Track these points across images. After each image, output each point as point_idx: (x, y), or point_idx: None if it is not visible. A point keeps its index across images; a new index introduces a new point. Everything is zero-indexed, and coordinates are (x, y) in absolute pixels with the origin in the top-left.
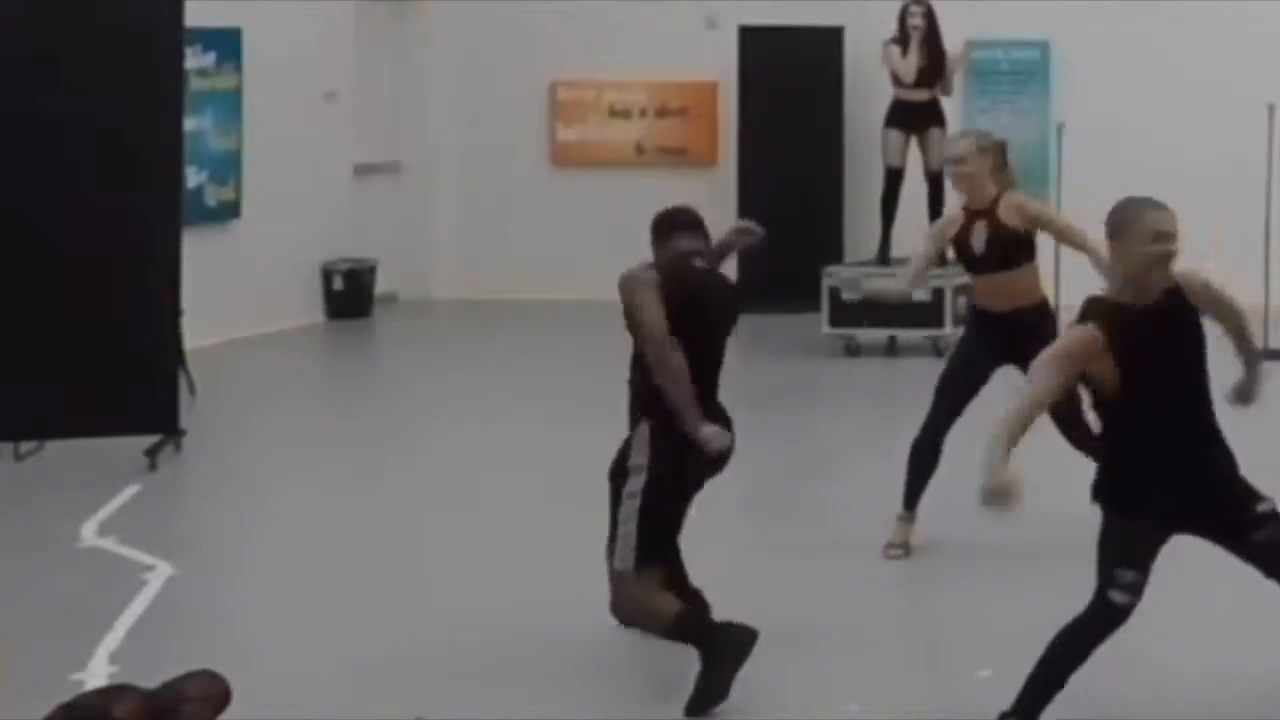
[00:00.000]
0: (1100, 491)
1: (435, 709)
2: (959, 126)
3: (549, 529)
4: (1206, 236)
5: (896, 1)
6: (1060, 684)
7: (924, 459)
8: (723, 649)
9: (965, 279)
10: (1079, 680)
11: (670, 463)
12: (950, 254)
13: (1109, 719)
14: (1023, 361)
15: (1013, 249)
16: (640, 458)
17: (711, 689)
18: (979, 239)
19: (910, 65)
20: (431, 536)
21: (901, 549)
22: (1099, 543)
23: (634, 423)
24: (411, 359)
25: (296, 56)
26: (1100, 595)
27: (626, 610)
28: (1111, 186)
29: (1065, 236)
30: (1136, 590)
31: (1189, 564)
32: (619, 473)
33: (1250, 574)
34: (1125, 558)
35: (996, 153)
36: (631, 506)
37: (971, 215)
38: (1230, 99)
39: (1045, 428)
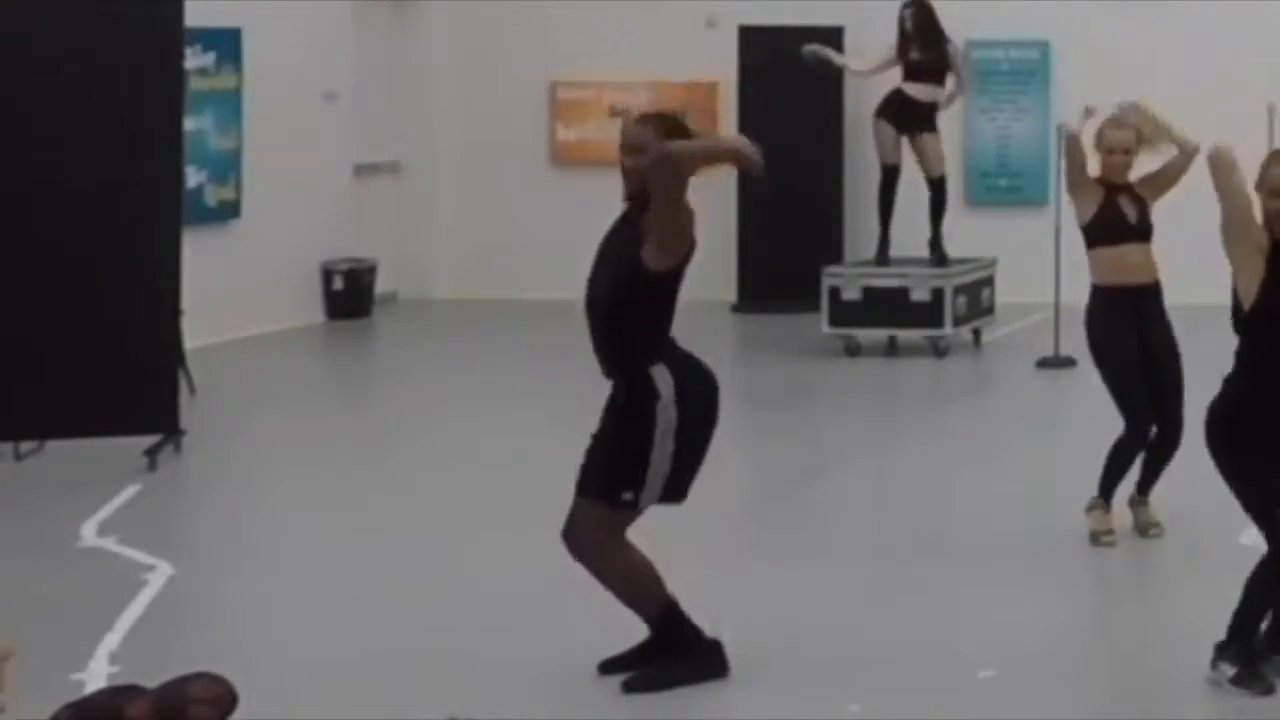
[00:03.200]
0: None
1: (434, 709)
2: (959, 126)
3: (549, 529)
4: (1206, 236)
5: (896, 1)
6: (1260, 620)
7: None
8: (697, 660)
9: (966, 279)
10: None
11: (698, 405)
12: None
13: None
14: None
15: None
16: (667, 390)
17: (661, 681)
18: (1131, 210)
19: (877, 61)
20: (431, 536)
21: (1112, 535)
22: (1239, 487)
23: (615, 366)
24: (411, 359)
25: (296, 56)
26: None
27: (600, 554)
28: None
29: (1180, 166)
30: None
31: None
32: (621, 409)
33: None
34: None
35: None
36: (667, 447)
37: (1113, 189)
38: (1230, 99)
39: (1046, 436)
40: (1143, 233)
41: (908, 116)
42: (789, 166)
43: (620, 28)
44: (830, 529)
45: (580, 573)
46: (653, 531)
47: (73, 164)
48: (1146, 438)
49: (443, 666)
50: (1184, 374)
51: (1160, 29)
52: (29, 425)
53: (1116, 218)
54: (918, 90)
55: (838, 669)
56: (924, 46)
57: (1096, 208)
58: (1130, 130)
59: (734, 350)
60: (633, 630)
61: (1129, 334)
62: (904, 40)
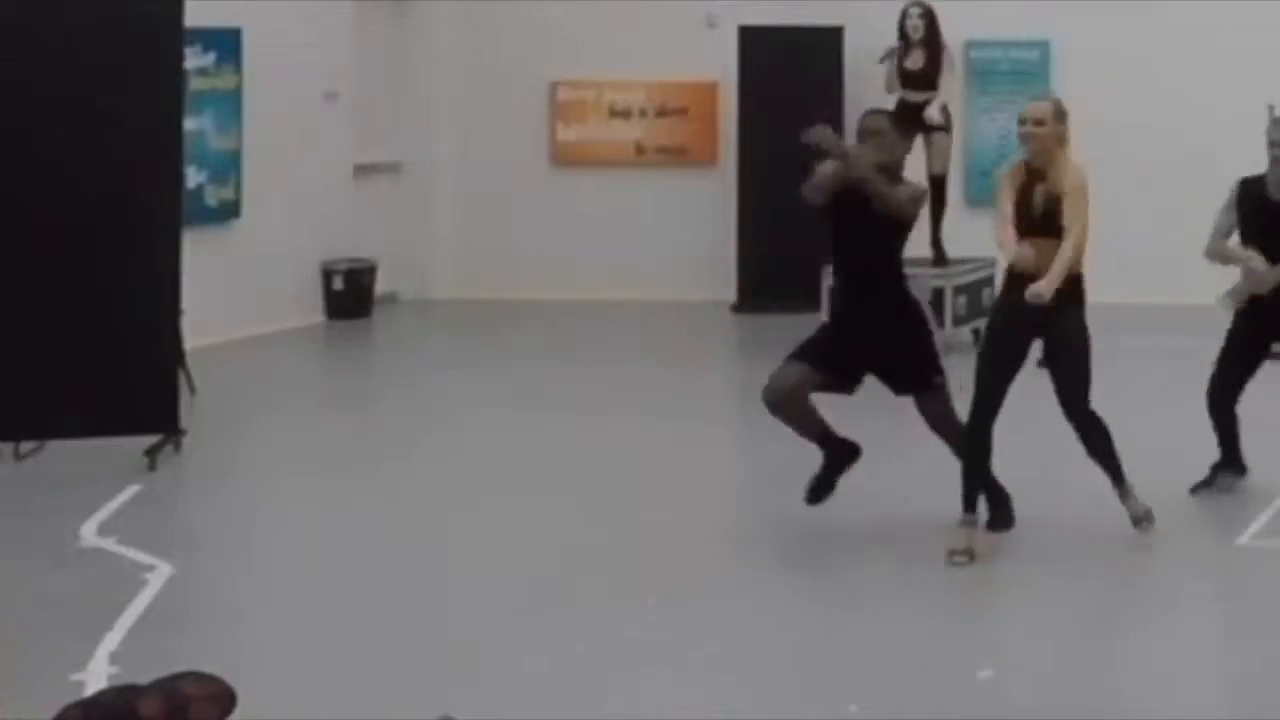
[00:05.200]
0: None
1: (431, 709)
2: (958, 126)
3: (549, 528)
4: (1205, 236)
5: (897, 1)
6: None
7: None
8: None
9: (966, 279)
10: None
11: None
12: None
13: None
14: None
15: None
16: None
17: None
18: (1039, 199)
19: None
20: (430, 536)
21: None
22: None
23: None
24: (411, 359)
25: (296, 56)
26: None
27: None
28: (1111, 186)
29: (1069, 232)
30: None
31: None
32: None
33: None
34: None
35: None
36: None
37: (1032, 174)
38: (1230, 99)
39: (1046, 436)
40: (1048, 227)
41: (919, 119)
42: (789, 166)
43: (620, 28)
44: (829, 528)
45: (577, 573)
46: (653, 529)
47: (72, 164)
48: (980, 425)
49: (442, 666)
50: (1079, 371)
51: (1160, 29)
52: (29, 425)
53: (1025, 210)
54: (917, 96)
55: (837, 669)
56: (924, 55)
57: (1017, 195)
58: (1043, 103)
59: (734, 350)
60: (631, 631)
61: (1008, 318)
62: (905, 47)
